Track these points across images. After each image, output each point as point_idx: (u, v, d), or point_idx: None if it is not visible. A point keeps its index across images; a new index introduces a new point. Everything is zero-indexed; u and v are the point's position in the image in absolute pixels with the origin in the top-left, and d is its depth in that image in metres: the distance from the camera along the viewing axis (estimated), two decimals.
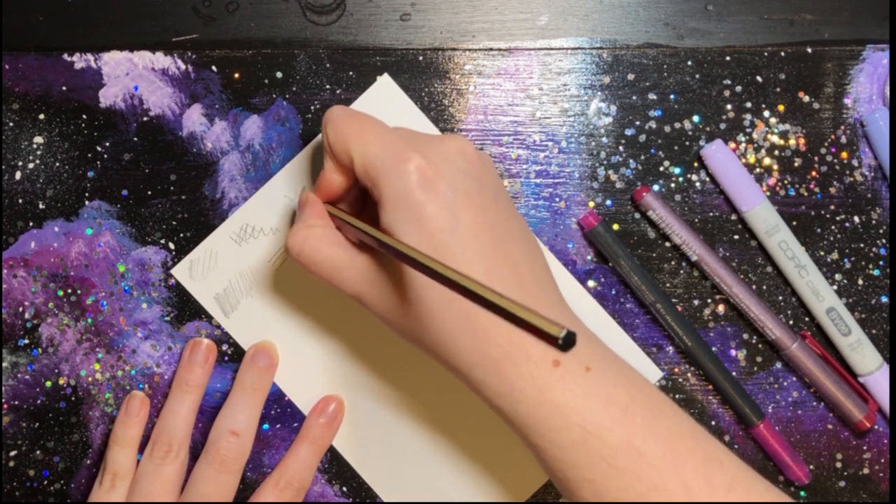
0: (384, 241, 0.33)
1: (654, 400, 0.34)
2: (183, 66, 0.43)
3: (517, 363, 0.33)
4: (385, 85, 0.43)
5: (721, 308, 0.44)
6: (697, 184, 0.44)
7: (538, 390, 0.33)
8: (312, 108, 0.43)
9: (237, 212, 0.43)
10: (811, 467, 0.44)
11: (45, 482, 0.44)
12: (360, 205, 0.40)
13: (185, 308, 0.44)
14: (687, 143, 0.44)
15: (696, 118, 0.44)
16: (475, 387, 0.35)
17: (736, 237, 0.44)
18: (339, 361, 0.44)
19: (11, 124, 0.43)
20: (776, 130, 0.44)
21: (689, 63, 0.44)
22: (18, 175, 0.43)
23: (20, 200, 0.43)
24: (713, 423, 0.44)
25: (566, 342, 0.24)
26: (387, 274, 0.35)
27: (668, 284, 0.44)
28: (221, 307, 0.44)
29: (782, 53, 0.44)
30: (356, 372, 0.44)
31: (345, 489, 0.44)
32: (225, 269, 0.44)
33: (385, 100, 0.43)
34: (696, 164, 0.44)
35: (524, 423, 0.33)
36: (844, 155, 0.44)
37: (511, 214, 0.36)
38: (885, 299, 0.44)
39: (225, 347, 0.44)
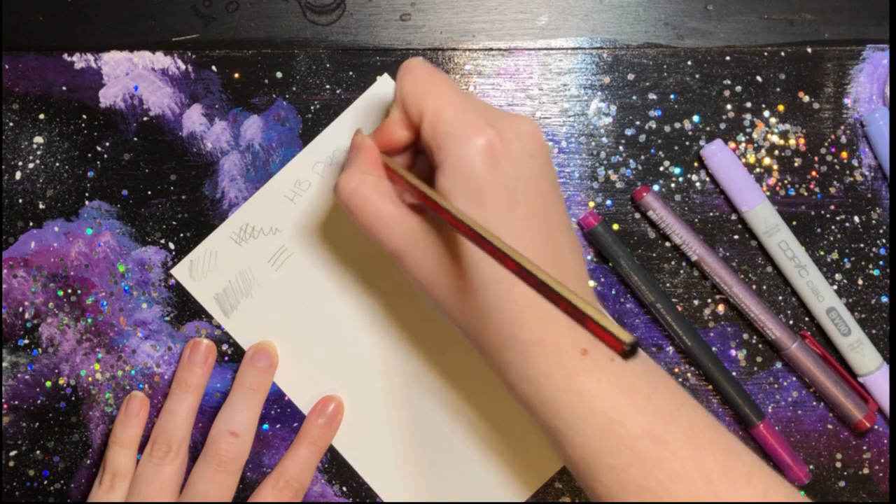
0: (447, 207, 0.32)
1: (674, 391, 0.34)
2: (183, 66, 0.43)
3: (547, 349, 0.33)
4: (385, 85, 0.43)
5: (721, 308, 0.44)
6: (697, 184, 0.44)
7: (565, 377, 0.33)
8: (312, 108, 0.43)
9: (237, 212, 0.43)
10: (811, 467, 0.44)
11: (45, 482, 0.44)
12: (408, 167, 0.39)
13: (185, 308, 0.44)
14: (687, 143, 0.44)
15: (696, 118, 0.44)
16: (501, 368, 0.35)
17: (736, 237, 0.44)
18: (339, 361, 0.44)
19: (11, 124, 0.43)
20: (776, 130, 0.44)
21: (689, 63, 0.44)
22: (18, 175, 0.43)
23: (20, 200, 0.43)
24: None
25: (631, 350, 0.24)
26: (433, 239, 0.35)
27: (668, 284, 0.44)
28: (221, 307, 0.44)
29: (782, 53, 0.44)
30: (356, 372, 0.44)
31: (345, 489, 0.44)
32: (225, 269, 0.44)
33: (385, 100, 0.43)
34: (696, 164, 0.44)
35: (549, 407, 0.34)
36: (844, 155, 0.44)
37: (561, 208, 0.36)
38: (885, 299, 0.44)
39: (225, 347, 0.44)
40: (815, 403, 0.44)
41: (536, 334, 0.33)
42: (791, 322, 0.44)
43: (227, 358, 0.44)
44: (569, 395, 0.33)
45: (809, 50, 0.44)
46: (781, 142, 0.44)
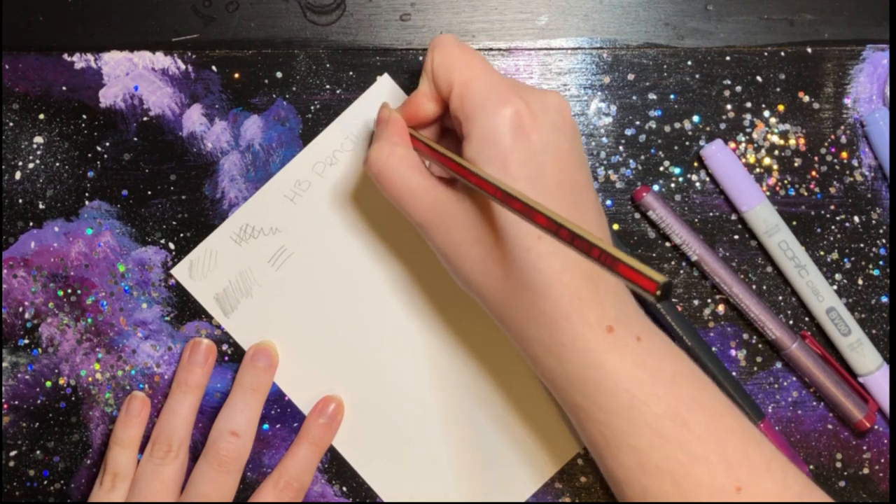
0: (474, 170, 0.32)
1: (697, 375, 0.34)
2: (183, 66, 0.43)
3: (573, 324, 0.33)
4: (385, 85, 0.43)
5: (721, 308, 0.44)
6: (697, 184, 0.44)
7: (590, 353, 0.33)
8: (312, 108, 0.43)
9: (237, 212, 0.43)
10: (811, 467, 0.44)
11: (45, 482, 0.44)
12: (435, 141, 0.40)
13: (185, 308, 0.44)
14: (687, 143, 0.44)
15: (696, 118, 0.44)
16: (525, 343, 0.35)
17: (736, 237, 0.44)
18: (339, 361, 0.44)
19: (11, 124, 0.43)
20: (776, 130, 0.44)
21: (689, 63, 0.44)
22: (18, 175, 0.43)
23: (20, 200, 0.43)
24: None
25: (664, 291, 0.24)
26: (461, 210, 0.35)
27: None
28: (221, 307, 0.44)
29: (782, 53, 0.44)
30: (357, 372, 0.44)
31: (345, 489, 0.44)
32: (225, 269, 0.44)
33: (385, 100, 0.43)
34: (696, 164, 0.44)
35: (572, 382, 0.34)
36: (844, 155, 0.44)
37: (590, 183, 0.36)
38: (885, 299, 0.44)
39: (225, 347, 0.44)
40: (815, 403, 0.44)
41: (563, 309, 0.33)
42: (791, 322, 0.44)
43: (227, 358, 0.44)
44: (593, 372, 0.33)
45: (809, 50, 0.44)
46: (781, 142, 0.44)
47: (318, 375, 0.44)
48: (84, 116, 0.43)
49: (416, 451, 0.44)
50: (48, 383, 0.44)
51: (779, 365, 0.44)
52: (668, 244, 0.44)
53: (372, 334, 0.44)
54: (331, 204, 0.43)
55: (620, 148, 0.44)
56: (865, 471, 0.44)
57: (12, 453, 0.44)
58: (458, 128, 0.36)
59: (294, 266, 0.44)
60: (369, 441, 0.44)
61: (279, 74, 0.43)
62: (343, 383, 0.44)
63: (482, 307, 0.37)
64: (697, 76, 0.44)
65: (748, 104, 0.44)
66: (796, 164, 0.44)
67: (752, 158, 0.44)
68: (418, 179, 0.36)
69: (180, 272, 0.44)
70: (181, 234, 0.44)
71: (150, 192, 0.43)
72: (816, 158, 0.44)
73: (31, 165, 0.43)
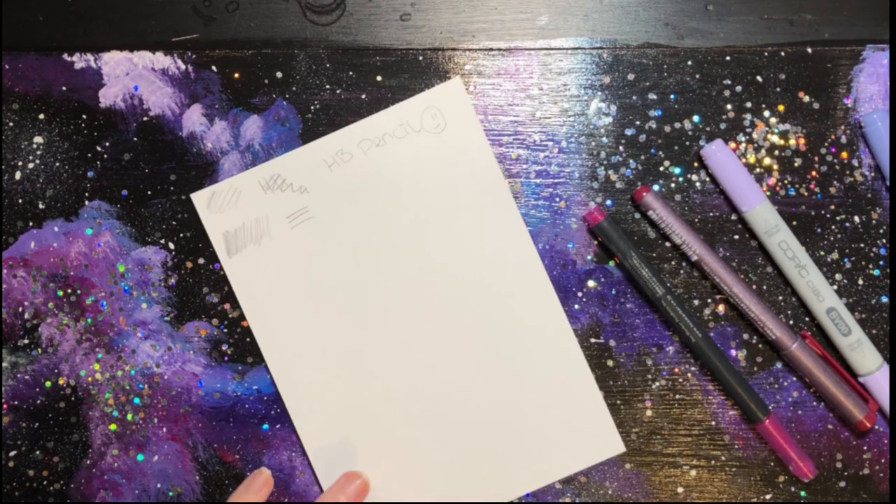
0: None
1: None
2: (183, 66, 0.43)
3: None
4: (454, 87, 0.43)
5: (721, 308, 0.44)
6: (697, 184, 0.44)
7: None
8: (312, 108, 0.43)
9: (273, 161, 0.43)
10: None
11: (45, 482, 0.44)
12: None
13: (184, 308, 0.44)
14: (687, 143, 0.44)
15: (696, 118, 0.44)
16: None
17: (736, 237, 0.44)
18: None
19: (11, 124, 0.43)
20: (776, 130, 0.44)
21: (689, 63, 0.44)
22: (18, 175, 0.43)
23: (20, 200, 0.43)
24: (713, 422, 0.44)
25: None
26: None
27: (668, 284, 0.44)
28: (227, 245, 0.43)
29: (782, 53, 0.44)
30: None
31: None
32: (244, 209, 0.43)
33: (447, 102, 0.43)
34: (696, 164, 0.44)
35: None
36: (844, 155, 0.44)
37: None
38: (885, 299, 0.44)
39: (224, 347, 0.44)
40: (815, 403, 0.44)
41: None
42: (791, 322, 0.44)
43: (226, 358, 0.44)
44: None
45: (809, 50, 0.44)
46: (781, 142, 0.44)
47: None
48: (84, 116, 0.43)
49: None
50: (48, 383, 0.44)
51: (779, 365, 0.44)
52: (668, 244, 0.44)
53: (370, 324, 0.44)
54: (364, 182, 0.43)
55: (620, 148, 0.44)
56: (865, 471, 0.44)
57: (12, 453, 0.44)
58: None
59: (310, 230, 0.43)
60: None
61: (279, 74, 0.43)
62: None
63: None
64: (697, 76, 0.44)
65: (748, 104, 0.44)
66: (796, 164, 0.44)
67: (752, 158, 0.44)
68: None
69: (199, 199, 0.43)
70: (181, 234, 0.44)
71: (150, 192, 0.43)
72: (816, 158, 0.44)
73: (31, 165, 0.43)
